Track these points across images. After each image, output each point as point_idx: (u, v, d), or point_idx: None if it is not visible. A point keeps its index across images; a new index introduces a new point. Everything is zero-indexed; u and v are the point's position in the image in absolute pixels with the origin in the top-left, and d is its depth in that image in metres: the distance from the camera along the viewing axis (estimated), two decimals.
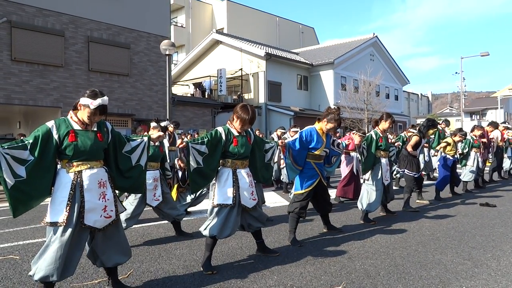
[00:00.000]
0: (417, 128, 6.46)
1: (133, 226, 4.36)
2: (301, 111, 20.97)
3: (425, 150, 8.44)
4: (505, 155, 9.64)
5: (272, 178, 6.94)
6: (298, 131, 5.05)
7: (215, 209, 3.24)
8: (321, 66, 22.92)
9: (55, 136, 2.46)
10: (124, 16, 14.08)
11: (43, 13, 12.22)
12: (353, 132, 6.60)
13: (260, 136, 6.06)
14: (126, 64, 14.19)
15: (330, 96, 22.69)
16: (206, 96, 20.64)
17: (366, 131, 13.12)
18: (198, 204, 5.42)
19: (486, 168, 9.06)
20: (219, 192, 3.24)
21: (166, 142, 7.19)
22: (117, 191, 2.86)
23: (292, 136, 5.41)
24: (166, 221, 4.73)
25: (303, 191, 4.02)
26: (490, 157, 9.25)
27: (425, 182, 8.09)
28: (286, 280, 3.03)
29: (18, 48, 11.74)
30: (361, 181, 5.53)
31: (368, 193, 5.02)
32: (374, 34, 25.89)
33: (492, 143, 8.95)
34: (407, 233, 4.48)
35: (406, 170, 5.96)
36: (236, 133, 3.30)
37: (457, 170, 7.30)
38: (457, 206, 6.32)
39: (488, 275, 3.15)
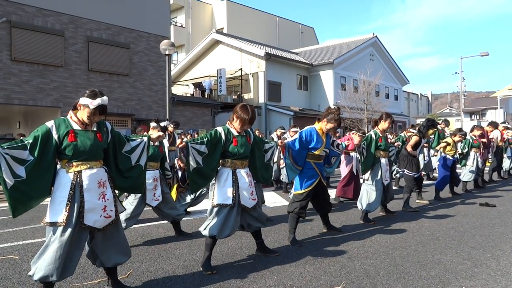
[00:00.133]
0: (417, 128, 6.46)
1: (133, 226, 4.36)
2: (300, 111, 20.97)
3: (425, 150, 8.45)
4: (505, 155, 9.65)
5: (272, 178, 6.94)
6: (297, 131, 5.05)
7: (215, 209, 3.24)
8: (320, 66, 22.92)
9: (55, 136, 2.46)
10: (124, 16, 14.07)
11: (42, 13, 12.21)
12: (353, 132, 6.61)
13: (260, 136, 6.06)
14: (126, 64, 14.18)
15: (330, 96, 22.69)
16: (206, 96, 20.64)
17: (366, 131, 13.12)
18: (197, 204, 5.42)
19: (486, 168, 9.07)
20: (219, 192, 3.24)
21: (165, 142, 7.20)
22: (116, 191, 2.86)
23: (292, 136, 5.41)
24: (165, 221, 4.73)
25: (302, 191, 4.02)
26: (490, 157, 9.26)
27: (424, 182, 8.10)
28: (286, 280, 3.03)
29: (18, 48, 11.73)
30: (361, 181, 5.53)
31: (367, 193, 5.02)
32: (373, 34, 25.90)
33: (492, 143, 8.95)
34: (406, 233, 4.48)
35: (405, 170, 5.97)
36: (235, 133, 3.30)
37: (457, 170, 7.31)
38: (457, 206, 6.32)
39: (487, 275, 3.15)
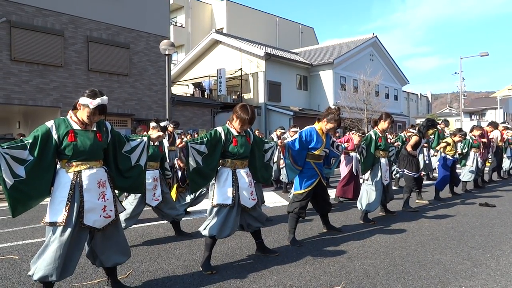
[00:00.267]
0: (417, 128, 6.46)
1: (133, 226, 4.36)
2: (300, 111, 20.97)
3: (425, 150, 8.45)
4: (505, 155, 9.66)
5: (272, 178, 6.94)
6: (297, 131, 5.05)
7: (215, 209, 3.24)
8: (320, 66, 22.93)
9: (55, 136, 2.46)
10: (124, 16, 14.07)
11: (42, 13, 12.21)
12: (353, 132, 6.61)
13: (260, 136, 6.06)
14: (126, 64, 14.18)
15: (330, 96, 22.70)
16: (206, 96, 20.64)
17: (366, 131, 13.12)
18: (197, 204, 5.41)
19: (485, 168, 9.07)
20: (219, 192, 3.24)
21: (165, 142, 7.20)
22: (116, 191, 2.86)
23: (291, 136, 5.41)
24: (165, 221, 4.73)
25: (302, 191, 4.02)
26: (490, 157, 9.27)
27: (424, 182, 8.10)
28: (286, 280, 3.02)
29: (17, 48, 11.72)
30: (361, 181, 5.54)
31: (367, 193, 5.02)
32: (373, 34, 25.91)
33: (492, 143, 8.96)
34: (406, 233, 4.48)
35: (405, 170, 5.97)
36: (235, 133, 3.30)
37: (457, 170, 7.31)
38: (457, 206, 6.32)
39: (487, 275, 3.15)
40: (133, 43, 14.43)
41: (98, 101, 2.50)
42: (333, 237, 4.32)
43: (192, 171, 3.16)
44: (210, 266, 3.23)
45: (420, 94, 46.05)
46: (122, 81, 14.17)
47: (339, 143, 4.63)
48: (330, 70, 22.72)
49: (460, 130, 7.37)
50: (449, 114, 44.47)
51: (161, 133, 3.12)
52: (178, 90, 23.27)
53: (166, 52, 10.52)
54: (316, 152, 4.05)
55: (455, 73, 31.64)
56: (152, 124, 4.73)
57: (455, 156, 7.06)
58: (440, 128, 8.98)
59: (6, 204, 2.42)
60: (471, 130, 8.13)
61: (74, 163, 2.51)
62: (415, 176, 5.95)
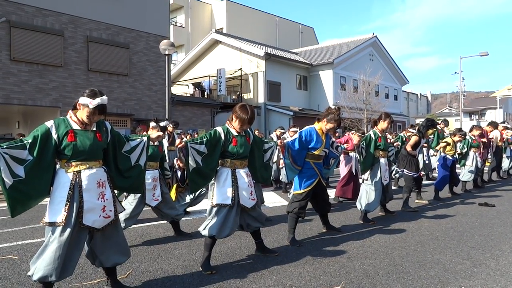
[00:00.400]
0: (417, 128, 6.47)
1: (132, 226, 4.36)
2: (300, 111, 20.98)
3: (424, 150, 8.45)
4: (504, 155, 9.66)
5: (271, 178, 6.94)
6: (297, 131, 5.05)
7: (214, 209, 3.24)
8: (320, 66, 22.93)
9: (54, 136, 2.46)
10: (124, 16, 14.07)
11: (42, 13, 12.20)
12: (352, 132, 6.61)
13: (259, 136, 6.06)
14: (125, 64, 14.17)
15: (330, 96, 22.70)
16: (206, 96, 20.64)
17: (365, 131, 13.13)
18: (197, 204, 5.41)
19: (485, 168, 9.07)
20: (218, 192, 3.24)
21: (165, 142, 7.20)
22: (116, 191, 2.86)
23: (291, 136, 5.41)
24: (165, 221, 4.73)
25: (302, 191, 4.02)
26: (490, 157, 9.27)
27: (424, 182, 8.10)
28: (285, 280, 3.03)
29: (17, 48, 11.72)
30: (360, 181, 5.54)
31: (367, 193, 5.03)
32: (373, 34, 25.92)
33: (491, 143, 8.97)
34: (406, 233, 4.48)
35: (405, 170, 5.97)
36: (235, 133, 3.30)
37: (456, 170, 7.31)
38: (456, 206, 6.32)
39: (487, 274, 3.15)
40: (132, 43, 14.42)
41: (97, 101, 2.50)
42: (333, 237, 4.32)
43: (192, 171, 3.16)
44: (209, 266, 3.23)
45: (420, 94, 46.07)
46: (121, 81, 14.17)
47: (339, 144, 4.64)
48: (330, 70, 22.72)
49: (459, 130, 7.37)
50: (449, 114, 44.49)
51: (160, 133, 3.12)
52: (178, 90, 23.27)
53: (166, 52, 10.52)
54: (315, 152, 4.05)
55: (455, 73, 31.66)
56: (152, 124, 4.73)
57: (454, 156, 7.07)
58: (439, 128, 8.98)
59: (5, 204, 2.41)
60: (471, 130, 8.14)
61: (73, 163, 2.50)
62: (415, 176, 5.96)
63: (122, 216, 3.89)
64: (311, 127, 4.14)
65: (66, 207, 2.44)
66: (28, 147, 2.37)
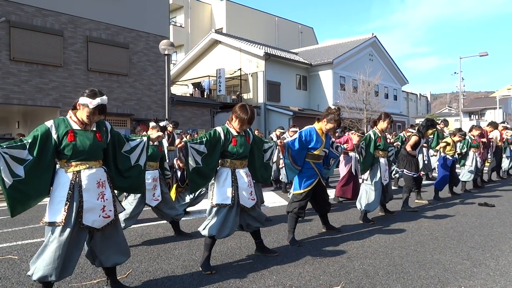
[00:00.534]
0: (416, 128, 6.47)
1: (132, 226, 4.36)
2: (300, 111, 20.99)
3: (424, 150, 8.46)
4: (504, 155, 9.67)
5: (271, 178, 6.94)
6: (297, 131, 5.06)
7: (214, 209, 3.24)
8: (320, 66, 22.94)
9: (54, 135, 2.46)
10: (123, 16, 14.07)
11: (42, 13, 12.20)
12: (352, 132, 6.61)
13: (259, 136, 6.06)
14: (125, 64, 14.18)
15: (329, 96, 22.71)
16: (205, 96, 20.64)
17: (365, 131, 13.13)
18: (197, 204, 5.41)
19: (485, 168, 9.08)
20: (218, 192, 3.24)
21: (165, 142, 7.19)
22: (116, 191, 2.86)
23: (291, 136, 5.42)
24: (165, 221, 4.73)
25: (302, 191, 4.02)
26: (490, 157, 9.28)
27: (424, 182, 8.11)
28: (285, 280, 3.03)
29: (17, 48, 11.71)
30: (360, 181, 5.54)
31: (367, 193, 5.03)
32: (373, 34, 25.95)
33: (491, 143, 8.97)
34: (406, 233, 4.49)
35: (405, 170, 5.98)
36: (235, 133, 3.31)
37: (456, 170, 7.32)
38: (456, 206, 6.32)
39: (486, 274, 3.16)
40: (132, 43, 14.43)
41: (97, 101, 2.50)
42: (333, 237, 4.32)
43: (192, 171, 3.16)
44: (209, 266, 3.23)
45: (420, 94, 46.11)
46: (121, 81, 14.17)
47: (339, 144, 4.64)
48: (329, 70, 22.73)
49: (459, 130, 7.38)
50: (449, 114, 44.55)
51: (160, 133, 3.13)
52: (178, 90, 23.27)
53: (166, 52, 10.52)
54: (315, 152, 4.06)
55: (455, 73, 31.68)
56: (152, 124, 4.73)
57: (454, 156, 7.07)
58: (439, 128, 8.99)
59: (5, 204, 2.41)
60: (470, 130, 8.15)
61: (73, 163, 2.50)
62: (415, 176, 5.96)
63: (122, 216, 3.89)
64: (311, 127, 4.15)
65: (66, 207, 2.44)
66: (28, 147, 2.37)
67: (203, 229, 3.24)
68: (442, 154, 7.00)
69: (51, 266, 2.38)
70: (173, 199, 4.94)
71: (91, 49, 13.27)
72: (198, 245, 3.94)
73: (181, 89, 23.51)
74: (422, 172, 8.24)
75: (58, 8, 12.52)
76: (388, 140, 5.26)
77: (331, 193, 6.34)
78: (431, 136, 8.47)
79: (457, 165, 7.48)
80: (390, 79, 27.62)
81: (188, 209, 5.50)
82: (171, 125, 8.22)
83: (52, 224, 2.44)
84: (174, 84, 22.99)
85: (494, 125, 9.25)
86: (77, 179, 2.49)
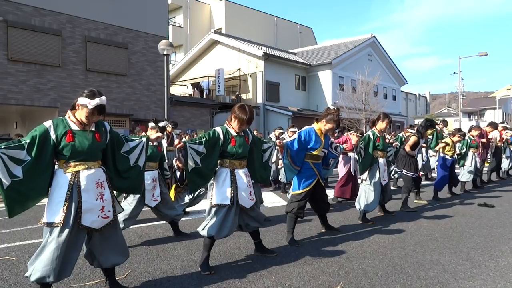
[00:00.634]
0: (415, 128, 6.48)
1: (131, 226, 4.35)
2: (299, 111, 21.02)
3: (423, 150, 8.47)
4: (504, 156, 9.69)
5: (271, 178, 6.94)
6: (296, 131, 5.06)
7: (213, 209, 3.24)
8: (319, 66, 22.97)
9: (53, 136, 2.45)
10: (122, 16, 14.06)
11: (40, 12, 12.18)
12: (351, 132, 6.61)
13: (258, 136, 6.04)
14: (124, 64, 14.17)
15: (328, 96, 22.74)
16: (204, 96, 20.65)
17: (364, 131, 13.15)
18: (196, 204, 5.41)
19: (484, 169, 9.09)
20: (217, 192, 3.25)
21: (164, 142, 7.18)
22: (115, 192, 2.85)
23: (290, 136, 5.42)
24: (164, 222, 4.72)
25: (301, 191, 4.03)
26: (489, 157, 9.29)
27: (423, 182, 8.11)
28: (284, 280, 3.03)
29: (14, 47, 11.69)
30: (359, 181, 5.54)
31: (366, 193, 5.03)
32: (372, 34, 25.98)
33: (491, 144, 8.99)
34: (405, 233, 4.49)
35: (404, 170, 5.98)
36: (234, 133, 3.31)
37: (456, 171, 7.33)
38: (455, 206, 6.33)
39: (486, 275, 3.16)
40: (131, 43, 14.41)
41: (96, 101, 2.49)
42: (332, 237, 4.32)
43: (191, 171, 3.16)
44: (208, 266, 3.23)
45: (419, 94, 46.23)
46: (120, 81, 14.15)
47: (338, 144, 4.64)
48: (328, 70, 22.76)
49: (459, 130, 7.40)
50: (448, 114, 44.64)
51: (160, 134, 3.13)
52: (177, 90, 23.26)
53: (165, 52, 10.51)
54: (314, 153, 4.06)
55: (454, 73, 31.72)
56: (151, 124, 4.73)
57: (453, 157, 7.08)
58: (438, 128, 9.00)
59: (3, 205, 2.40)
60: (470, 130, 8.17)
61: (72, 164, 2.50)
62: (414, 176, 5.96)
63: (121, 217, 3.89)
64: (310, 127, 4.15)
65: (65, 208, 2.44)
66: (26, 147, 2.36)
67: (202, 229, 3.24)
68: (442, 154, 7.01)
69: (49, 267, 2.38)
70: (172, 199, 4.94)
71: (90, 49, 13.25)
72: (197, 246, 3.93)
73: (180, 89, 23.51)
74: (421, 173, 8.25)
75: (56, 7, 12.49)
76: (387, 141, 5.26)
77: (330, 193, 6.34)
78: (430, 136, 8.48)
79: (457, 166, 7.49)
80: (389, 79, 27.66)
81: (187, 209, 5.50)
82: (170, 126, 8.21)
83: (51, 225, 2.44)
84: (173, 84, 22.98)
85: (494, 125, 9.27)
86: (76, 179, 2.49)
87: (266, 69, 20.79)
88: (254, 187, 3.53)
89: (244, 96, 21.35)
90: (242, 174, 3.32)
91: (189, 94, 21.41)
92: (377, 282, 2.98)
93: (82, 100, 2.50)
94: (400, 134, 8.85)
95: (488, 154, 9.11)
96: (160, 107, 14.71)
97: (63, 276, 2.48)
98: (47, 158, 2.45)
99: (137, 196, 4.02)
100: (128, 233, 4.40)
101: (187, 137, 11.46)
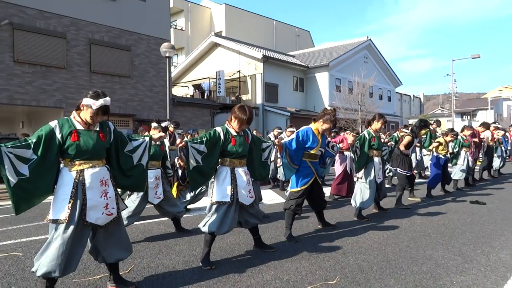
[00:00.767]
0: (410, 128, 6.57)
1: (135, 223, 4.41)
2: (297, 111, 21.14)
3: (417, 149, 8.56)
4: (495, 155, 9.78)
5: (269, 176, 7.04)
6: (294, 131, 5.16)
7: (214, 206, 3.30)
8: (316, 68, 23.08)
9: (58, 135, 2.48)
10: (125, 19, 14.13)
11: (44, 15, 12.25)
12: (347, 132, 6.71)
13: (258, 136, 6.13)
14: (127, 66, 14.25)
15: (325, 97, 22.85)
16: (205, 97, 20.73)
17: (360, 131, 13.25)
18: (197, 202, 5.49)
19: (476, 167, 9.17)
20: (218, 190, 3.30)
21: (166, 142, 7.28)
22: (119, 189, 2.89)
23: (288, 136, 5.52)
24: (166, 218, 4.79)
25: (298, 189, 4.10)
26: (481, 156, 9.40)
27: (417, 180, 8.17)
28: (282, 274, 3.08)
29: (20, 49, 11.73)
30: (355, 179, 5.63)
31: (361, 191, 5.10)
32: (367, 37, 26.11)
33: (483, 143, 9.11)
34: (399, 230, 4.55)
35: (398, 169, 6.06)
36: (234, 133, 3.36)
37: (448, 169, 7.42)
38: (448, 203, 6.39)
39: (477, 270, 3.21)
40: (134, 46, 14.50)
41: (101, 102, 2.52)
42: (328, 233, 4.38)
43: (192, 170, 3.21)
44: (209, 261, 3.29)
45: (413, 95, 46.23)
46: (123, 83, 14.24)
47: (334, 143, 4.73)
48: (325, 72, 22.87)
49: (451, 130, 7.50)
50: (441, 115, 44.66)
51: (162, 134, 3.18)
52: (179, 91, 23.33)
53: (167, 55, 10.63)
54: (312, 152, 4.13)
55: (447, 75, 31.83)
56: (154, 124, 4.80)
57: (446, 155, 7.17)
58: (432, 128, 9.09)
59: (10, 202, 2.44)
60: (462, 130, 8.27)
61: (77, 162, 2.53)
62: (408, 174, 6.03)
63: (125, 214, 3.93)
64: (308, 127, 4.22)
65: (70, 205, 2.46)
66: (32, 146, 2.39)
67: (203, 225, 3.30)
68: (435, 153, 7.09)
69: (55, 262, 2.41)
70: (174, 197, 5.01)
71: (94, 51, 13.32)
72: (198, 241, 4.00)
73: (182, 90, 23.57)
74: (415, 171, 8.35)
75: (59, 10, 12.55)
76: (382, 140, 5.36)
77: (327, 191, 6.43)
78: (424, 136, 8.58)
79: (449, 164, 7.58)
80: (384, 80, 27.75)
81: (188, 206, 5.58)
82: (172, 126, 8.31)
83: (56, 222, 2.47)
84: (175, 86, 23.05)
85: (486, 125, 9.39)
86: (81, 177, 2.51)
87: (265, 71, 20.89)
88: (254, 185, 3.58)
89: (244, 97, 21.45)
90: (242, 173, 3.38)
91: (190, 95, 21.50)
92: (372, 277, 3.04)
93: (86, 100, 2.53)
94: (395, 134, 8.94)
95: (480, 153, 9.21)
96: (163, 108, 14.79)
97: (69, 271, 2.50)
98: (53, 157, 2.47)
99: (141, 193, 4.04)
100: (131, 229, 4.46)
101: (188, 136, 11.55)
